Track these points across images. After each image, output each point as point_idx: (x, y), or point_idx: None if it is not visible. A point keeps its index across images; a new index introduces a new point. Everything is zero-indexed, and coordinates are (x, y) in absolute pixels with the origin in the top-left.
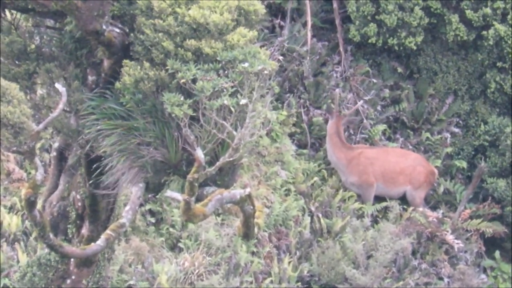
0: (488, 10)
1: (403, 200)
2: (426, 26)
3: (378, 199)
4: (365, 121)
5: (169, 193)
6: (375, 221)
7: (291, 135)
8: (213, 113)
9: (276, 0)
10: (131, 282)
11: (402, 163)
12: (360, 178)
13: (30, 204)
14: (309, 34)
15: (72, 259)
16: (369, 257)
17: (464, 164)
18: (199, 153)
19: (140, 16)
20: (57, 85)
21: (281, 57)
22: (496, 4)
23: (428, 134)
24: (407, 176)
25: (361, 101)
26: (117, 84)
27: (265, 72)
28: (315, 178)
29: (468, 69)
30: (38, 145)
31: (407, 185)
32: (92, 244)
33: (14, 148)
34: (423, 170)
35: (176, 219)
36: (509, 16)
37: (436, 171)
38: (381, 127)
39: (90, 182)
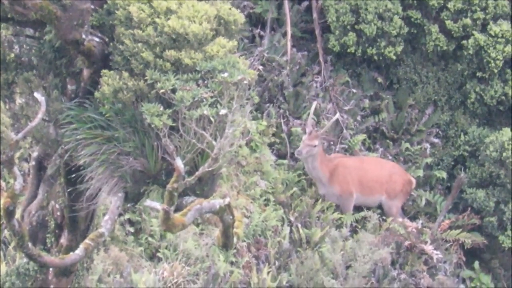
0: (468, 21)
1: (382, 210)
2: (406, 36)
3: (356, 208)
4: (344, 131)
5: (148, 202)
6: (354, 231)
7: (270, 145)
8: (193, 123)
9: (256, 10)
10: None
11: (378, 171)
12: (341, 188)
13: (9, 213)
14: (289, 44)
15: (51, 269)
16: (348, 267)
17: (443, 175)
18: (179, 163)
19: (119, 26)
20: (36, 95)
21: (260, 67)
22: (476, 15)
23: (407, 145)
24: (383, 184)
25: (337, 115)
26: (97, 94)
27: (245, 82)
28: (295, 188)
29: (448, 79)
30: (17, 154)
31: (383, 194)
32: (71, 253)
33: None
34: (400, 179)
35: (155, 229)
36: (488, 26)
37: (413, 180)
38: (361, 137)
39: (69, 191)
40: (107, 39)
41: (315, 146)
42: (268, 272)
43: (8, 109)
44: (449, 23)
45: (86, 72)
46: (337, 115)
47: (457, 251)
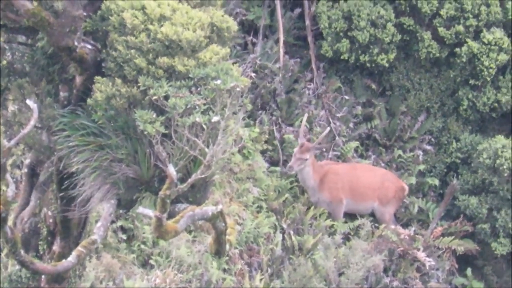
0: (460, 28)
1: (375, 217)
2: (398, 43)
3: (350, 216)
4: (337, 138)
5: (141, 209)
6: (346, 238)
7: (263, 152)
8: (185, 130)
9: (248, 17)
10: None
11: (371, 178)
12: (331, 195)
13: (1, 220)
14: (282, 51)
15: (43, 276)
16: (340, 274)
17: (436, 182)
18: (171, 170)
19: (112, 33)
20: (28, 101)
21: (253, 74)
22: (468, 22)
23: (400, 152)
24: (375, 191)
25: (327, 129)
26: (89, 101)
27: (237, 89)
28: (287, 195)
29: (440, 86)
30: (10, 161)
31: (375, 200)
32: (64, 260)
33: None
34: (392, 186)
35: (148, 236)
36: (481, 34)
37: (406, 187)
38: (354, 144)
39: (62, 198)
40: (99, 46)
41: (306, 159)
42: (261, 279)
43: (0, 116)
44: (441, 30)
45: (78, 79)
46: (327, 130)
47: (450, 258)
